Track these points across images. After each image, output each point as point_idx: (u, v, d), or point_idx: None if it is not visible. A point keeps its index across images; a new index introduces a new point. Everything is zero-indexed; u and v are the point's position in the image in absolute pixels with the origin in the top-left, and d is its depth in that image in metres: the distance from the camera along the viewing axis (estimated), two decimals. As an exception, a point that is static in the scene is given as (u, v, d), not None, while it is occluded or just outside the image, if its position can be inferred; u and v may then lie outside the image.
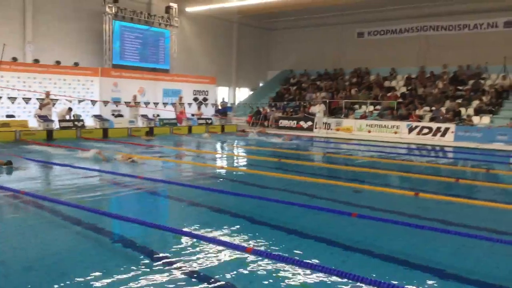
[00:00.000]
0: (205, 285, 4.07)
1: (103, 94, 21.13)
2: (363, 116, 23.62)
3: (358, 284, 4.05)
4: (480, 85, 22.89)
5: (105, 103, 20.17)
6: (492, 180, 10.56)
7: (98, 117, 19.32)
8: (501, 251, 5.27)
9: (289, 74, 31.68)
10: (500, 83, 22.34)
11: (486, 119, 20.41)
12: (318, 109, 23.92)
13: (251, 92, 32.15)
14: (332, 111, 24.94)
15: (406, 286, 4.00)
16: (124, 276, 4.14)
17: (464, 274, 4.42)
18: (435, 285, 4.12)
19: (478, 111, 20.94)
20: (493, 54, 23.15)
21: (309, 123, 24.10)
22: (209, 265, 4.48)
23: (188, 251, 4.85)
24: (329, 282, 4.13)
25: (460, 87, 23.29)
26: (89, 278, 4.07)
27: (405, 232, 5.85)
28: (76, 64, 21.26)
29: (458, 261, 4.92)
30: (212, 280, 4.15)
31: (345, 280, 4.13)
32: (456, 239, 5.54)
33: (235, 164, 12.49)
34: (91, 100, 20.20)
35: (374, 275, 4.25)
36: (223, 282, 4.10)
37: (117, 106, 21.03)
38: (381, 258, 4.84)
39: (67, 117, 18.51)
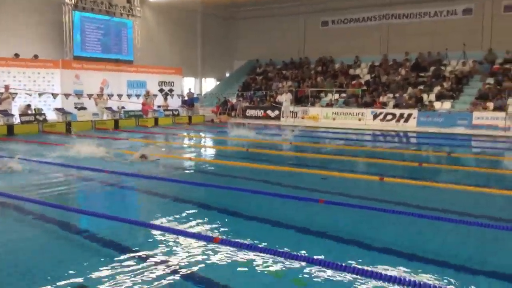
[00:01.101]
0: (175, 276, 4.05)
1: (64, 87, 20.54)
2: (329, 104, 23.89)
3: (325, 269, 4.12)
4: (441, 71, 23.50)
5: (67, 96, 19.64)
6: (454, 163, 10.90)
7: (60, 110, 18.82)
8: (463, 232, 5.45)
9: (255, 63, 31.66)
10: (460, 69, 22.99)
11: (447, 105, 21.00)
12: (284, 98, 24.03)
13: (218, 83, 31.98)
14: (299, 99, 25.11)
15: (372, 269, 4.09)
16: (95, 272, 4.05)
17: (428, 256, 4.56)
18: (400, 267, 4.23)
19: (439, 97, 21.51)
20: (452, 41, 23.77)
21: (276, 112, 24.20)
22: (178, 257, 4.45)
23: (158, 244, 4.81)
24: (298, 268, 4.19)
25: (421, 74, 23.85)
26: (59, 276, 3.97)
27: (370, 216, 5.99)
28: (35, 56, 20.59)
29: (422, 243, 5.06)
30: (181, 271, 4.13)
31: (313, 265, 4.20)
32: (420, 222, 5.71)
33: (203, 155, 12.43)
34: (52, 94, 19.63)
35: (340, 260, 4.34)
36: (192, 273, 4.10)
37: (79, 98, 20.51)
38: (347, 243, 4.94)
39: (29, 112, 17.96)
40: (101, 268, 4.12)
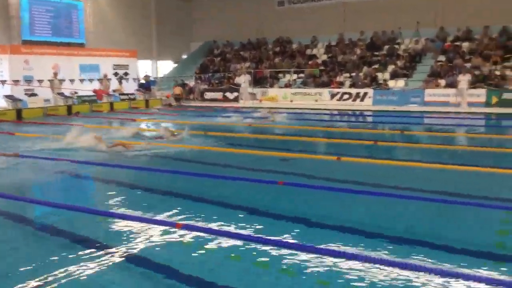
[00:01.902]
0: (136, 264, 4.04)
1: (13, 73, 19.67)
2: (288, 85, 24.02)
3: (284, 250, 4.21)
4: (395, 50, 24.00)
5: (16, 82, 18.85)
6: (407, 141, 11.26)
7: (9, 97, 18.06)
8: (418, 208, 5.67)
9: (213, 45, 31.29)
10: (413, 47, 23.56)
11: (401, 83, 21.54)
12: (243, 80, 23.95)
13: (175, 65, 31.46)
14: (257, 81, 25.10)
15: (334, 248, 4.21)
16: (55, 266, 3.97)
17: (384, 232, 4.73)
18: (361, 244, 4.37)
19: (394, 75, 22.02)
20: (406, 19, 24.23)
21: (235, 94, 24.13)
22: (140, 245, 4.42)
23: (118, 233, 4.77)
24: (257, 250, 4.25)
25: (376, 53, 24.28)
26: (17, 271, 3.88)
27: (328, 195, 6.13)
28: (-20, 41, 19.60)
29: (379, 220, 5.24)
30: (144, 259, 4.12)
31: (271, 246, 4.28)
32: (376, 199, 5.90)
33: (164, 140, 12.25)
34: (0, 81, 18.78)
35: (299, 239, 4.44)
36: (156, 261, 4.09)
37: (29, 84, 19.71)
38: (305, 224, 5.04)
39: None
40: (58, 259, 4.05)
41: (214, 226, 4.87)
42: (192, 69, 29.35)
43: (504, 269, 3.81)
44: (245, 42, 29.92)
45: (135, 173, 7.83)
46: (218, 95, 24.76)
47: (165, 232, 4.73)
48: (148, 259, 4.12)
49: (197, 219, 5.13)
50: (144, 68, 29.02)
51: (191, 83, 26.61)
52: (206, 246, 4.37)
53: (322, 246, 4.21)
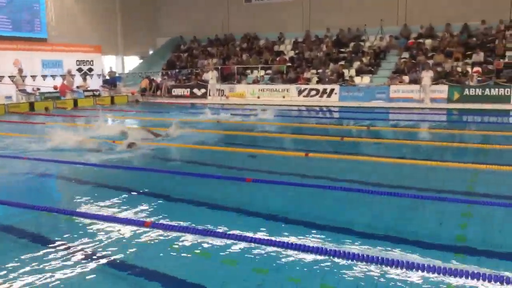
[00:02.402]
0: (104, 264, 3.98)
1: (-29, 69, 18.97)
2: (255, 81, 24.07)
3: (254, 244, 4.24)
4: (360, 47, 24.39)
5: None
6: (373, 136, 11.48)
7: (-33, 94, 17.42)
8: (382, 202, 5.79)
9: (180, 40, 30.98)
10: (378, 45, 24.00)
11: (366, 79, 21.91)
12: (210, 76, 23.86)
13: (141, 61, 30.99)
14: (225, 77, 25.04)
15: (301, 243, 4.26)
16: (17, 267, 3.88)
17: (349, 226, 4.82)
18: (328, 239, 4.44)
19: (359, 72, 22.38)
20: (370, 17, 24.64)
21: (203, 90, 24.01)
22: (107, 245, 4.36)
23: (86, 233, 4.68)
24: (228, 247, 4.26)
25: (342, 50, 24.62)
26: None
27: (295, 191, 6.19)
28: None
29: (346, 215, 5.34)
30: (111, 259, 4.06)
31: (241, 242, 4.30)
32: (343, 195, 6.00)
33: (131, 138, 12.06)
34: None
35: (269, 235, 4.48)
36: (123, 260, 4.05)
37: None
38: (274, 219, 5.08)
39: None
40: (22, 261, 3.95)
41: (183, 223, 4.85)
42: (159, 65, 28.99)
43: (465, 260, 3.95)
44: (213, 38, 29.77)
45: (102, 171, 7.69)
46: (186, 91, 24.57)
47: (134, 231, 4.68)
48: (114, 258, 4.07)
49: (166, 217, 5.10)
50: (109, 63, 28.46)
51: (158, 79, 26.29)
52: (176, 244, 4.35)
53: (292, 242, 4.25)
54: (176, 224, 4.79)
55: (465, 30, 22.47)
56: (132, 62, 31.55)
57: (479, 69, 19.68)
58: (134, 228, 4.75)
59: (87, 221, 5.02)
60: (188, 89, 24.55)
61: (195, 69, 26.41)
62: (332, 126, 13.63)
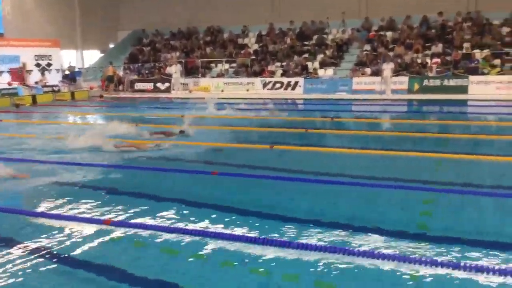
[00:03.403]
0: (64, 264, 3.87)
1: None
2: (220, 75, 23.93)
3: (220, 240, 4.21)
4: (323, 39, 24.60)
5: None
6: (337, 128, 11.61)
7: None
8: (347, 192, 5.87)
9: (141, 34, 30.39)
10: (340, 37, 24.27)
11: (329, 71, 22.13)
12: (174, 70, 23.55)
13: (101, 55, 30.26)
14: (189, 71, 24.77)
15: (265, 237, 4.26)
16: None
17: (314, 217, 4.85)
18: (292, 231, 4.46)
19: (323, 64, 22.59)
20: (332, 10, 24.85)
21: (166, 84, 23.68)
22: (68, 244, 4.24)
23: (45, 233, 4.53)
24: (194, 243, 4.22)
25: (306, 42, 24.76)
26: None
27: (261, 184, 6.20)
28: None
29: (308, 205, 5.37)
30: (72, 258, 3.96)
31: (209, 238, 4.26)
32: (306, 186, 6.04)
33: (91, 134, 11.76)
34: None
35: (236, 229, 4.46)
36: (85, 258, 3.95)
37: None
38: (240, 213, 5.06)
39: None
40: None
41: (148, 220, 4.77)
42: (120, 59, 28.38)
43: (426, 248, 4.04)
44: (176, 31, 29.37)
45: (61, 168, 7.45)
46: (149, 85, 24.17)
47: (95, 229, 4.57)
48: (75, 258, 3.97)
49: (128, 214, 5.00)
50: (68, 58, 27.66)
51: (120, 73, 25.76)
52: (139, 241, 4.27)
53: (259, 236, 4.25)
54: (141, 222, 4.71)
55: (424, 22, 22.99)
56: (92, 57, 30.77)
57: (438, 60, 20.20)
58: (94, 227, 4.64)
59: (46, 221, 4.87)
60: (152, 83, 24.17)
61: (158, 63, 26.01)
62: (296, 118, 13.70)
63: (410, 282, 3.47)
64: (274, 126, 11.64)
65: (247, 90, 21.72)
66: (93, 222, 4.73)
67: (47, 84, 21.52)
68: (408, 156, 7.77)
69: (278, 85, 21.55)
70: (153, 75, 25.05)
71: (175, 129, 10.17)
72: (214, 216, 4.97)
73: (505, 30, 20.97)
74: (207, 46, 26.77)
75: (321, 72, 22.10)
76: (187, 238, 4.28)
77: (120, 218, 4.86)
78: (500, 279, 3.42)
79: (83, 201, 5.53)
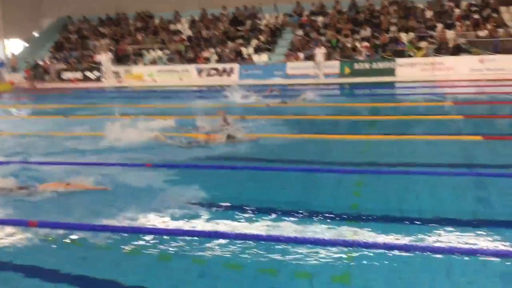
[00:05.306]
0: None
1: None
2: (153, 62, 23.34)
3: (154, 236, 4.12)
4: (257, 25, 24.62)
5: None
6: (272, 113, 11.67)
7: None
8: (282, 178, 5.93)
9: (67, 21, 28.96)
10: (273, 23, 24.40)
11: (264, 57, 22.24)
12: (104, 58, 22.66)
13: (26, 44, 28.51)
14: (120, 58, 23.94)
15: (211, 229, 4.22)
16: None
17: (249, 204, 4.87)
18: (228, 219, 4.45)
19: (257, 50, 22.64)
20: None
21: (97, 73, 22.78)
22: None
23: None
24: (124, 238, 4.11)
25: (239, 28, 24.67)
26: None
27: (193, 174, 6.14)
28: None
29: (245, 193, 5.39)
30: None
31: (139, 234, 4.16)
32: (239, 173, 6.06)
33: (13, 128, 11.11)
34: None
35: (165, 222, 4.39)
36: (11, 262, 3.74)
37: None
38: (178, 206, 4.98)
39: None
40: None
41: (79, 217, 4.58)
42: (46, 47, 26.95)
43: (359, 228, 4.17)
44: (104, 18, 28.24)
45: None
46: (78, 74, 23.15)
47: (18, 231, 4.33)
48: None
49: (56, 213, 4.78)
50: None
51: (46, 62, 24.43)
52: (66, 241, 4.10)
53: (195, 227, 4.20)
54: (67, 222, 4.51)
55: (353, 6, 23.60)
56: (15, 46, 28.95)
57: (367, 44, 20.87)
58: (18, 229, 4.40)
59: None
60: (81, 73, 23.17)
61: (86, 51, 24.92)
62: (232, 105, 13.64)
63: (345, 262, 3.56)
64: (211, 114, 11.49)
65: (180, 79, 21.32)
66: (17, 224, 4.46)
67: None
68: (339, 139, 7.99)
69: (213, 71, 21.37)
70: (82, 63, 24.00)
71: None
72: (146, 209, 4.86)
73: (429, 13, 22.01)
74: (138, 33, 25.99)
75: (256, 57, 22.16)
76: (120, 235, 4.15)
77: (49, 217, 4.62)
78: (425, 254, 3.60)
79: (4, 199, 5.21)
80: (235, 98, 13.92)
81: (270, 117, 10.45)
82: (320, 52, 19.32)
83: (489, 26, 19.89)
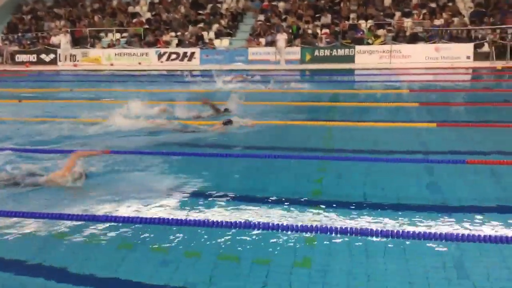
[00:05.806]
0: None
1: None
2: (111, 45, 22.75)
3: (109, 224, 4.09)
4: (218, 9, 24.36)
5: None
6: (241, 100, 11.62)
7: None
8: (243, 165, 5.97)
9: (21, 1, 27.71)
10: (235, 7, 24.20)
11: (225, 42, 22.09)
12: (62, 40, 21.85)
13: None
14: (76, 41, 23.18)
15: (180, 218, 4.21)
16: None
17: (213, 191, 4.87)
18: (196, 207, 4.46)
19: (218, 35, 22.44)
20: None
21: (52, 55, 22.00)
22: None
23: None
24: (88, 226, 4.05)
25: (200, 12, 24.33)
26: None
27: (155, 160, 6.08)
28: None
29: (207, 179, 5.39)
30: None
31: (98, 223, 4.12)
32: (201, 160, 6.06)
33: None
34: None
35: (116, 209, 4.37)
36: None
37: None
38: (140, 197, 4.92)
39: None
40: None
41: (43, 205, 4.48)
42: (-2, 28, 25.76)
43: (321, 213, 4.24)
44: (59, -2, 27.21)
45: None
46: (32, 57, 22.29)
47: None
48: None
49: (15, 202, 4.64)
50: None
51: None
52: (28, 230, 4.00)
53: (154, 216, 4.18)
54: (28, 211, 4.39)
55: (314, -8, 23.72)
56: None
57: (328, 31, 21.07)
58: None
59: None
60: (35, 55, 22.31)
61: (41, 33, 23.99)
62: (192, 90, 13.50)
63: (305, 246, 3.64)
64: (170, 100, 11.31)
65: (139, 63, 20.88)
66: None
67: None
68: (300, 125, 8.08)
69: (174, 56, 21.07)
70: (36, 46, 23.10)
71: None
72: (103, 199, 4.80)
73: (387, 1, 22.41)
74: (95, 14, 25.20)
75: (217, 42, 21.97)
76: (80, 223, 4.09)
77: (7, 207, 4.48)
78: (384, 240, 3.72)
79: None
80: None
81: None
82: (281, 38, 19.37)
83: (444, 15, 20.49)
